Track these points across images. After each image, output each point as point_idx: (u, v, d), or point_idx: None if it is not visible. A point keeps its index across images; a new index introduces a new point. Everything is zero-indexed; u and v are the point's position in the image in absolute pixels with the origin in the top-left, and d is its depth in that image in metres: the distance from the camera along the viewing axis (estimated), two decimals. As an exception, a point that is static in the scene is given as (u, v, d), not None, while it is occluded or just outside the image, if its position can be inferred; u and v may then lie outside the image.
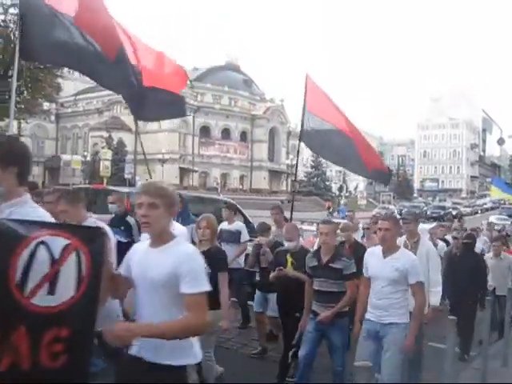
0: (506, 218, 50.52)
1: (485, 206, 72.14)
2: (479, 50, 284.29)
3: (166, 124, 71.60)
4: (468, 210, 65.25)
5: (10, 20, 38.31)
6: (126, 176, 59.01)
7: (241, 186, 75.32)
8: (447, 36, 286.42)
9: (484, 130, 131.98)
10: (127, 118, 73.48)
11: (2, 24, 38.50)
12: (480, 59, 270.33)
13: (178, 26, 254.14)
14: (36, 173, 70.47)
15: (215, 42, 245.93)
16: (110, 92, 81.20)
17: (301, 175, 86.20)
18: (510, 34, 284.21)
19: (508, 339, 7.94)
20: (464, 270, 8.21)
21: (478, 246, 11.61)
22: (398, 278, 5.06)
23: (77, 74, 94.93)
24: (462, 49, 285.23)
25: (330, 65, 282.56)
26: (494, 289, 9.17)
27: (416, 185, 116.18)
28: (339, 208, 53.57)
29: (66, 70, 50.13)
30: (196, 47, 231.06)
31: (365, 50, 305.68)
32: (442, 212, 54.17)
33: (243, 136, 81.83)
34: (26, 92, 39.23)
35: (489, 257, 9.83)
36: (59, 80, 43.76)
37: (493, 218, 56.52)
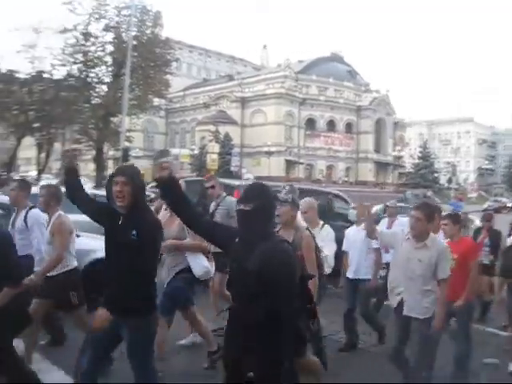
0: None
1: None
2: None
3: (271, 117, 72.24)
4: None
5: (122, 21, 40.23)
6: (232, 169, 60.23)
7: (346, 178, 74.42)
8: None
9: None
10: (233, 112, 74.89)
11: (115, 25, 40.51)
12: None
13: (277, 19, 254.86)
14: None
15: (319, 35, 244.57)
16: (216, 87, 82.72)
17: (408, 167, 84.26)
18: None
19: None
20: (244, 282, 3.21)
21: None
22: None
23: (184, 70, 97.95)
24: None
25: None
26: None
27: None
28: (450, 202, 49.97)
29: (174, 66, 52.04)
30: (302, 40, 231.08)
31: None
32: None
33: (348, 127, 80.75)
34: (137, 89, 41.12)
35: None
36: (168, 77, 45.42)
37: None
